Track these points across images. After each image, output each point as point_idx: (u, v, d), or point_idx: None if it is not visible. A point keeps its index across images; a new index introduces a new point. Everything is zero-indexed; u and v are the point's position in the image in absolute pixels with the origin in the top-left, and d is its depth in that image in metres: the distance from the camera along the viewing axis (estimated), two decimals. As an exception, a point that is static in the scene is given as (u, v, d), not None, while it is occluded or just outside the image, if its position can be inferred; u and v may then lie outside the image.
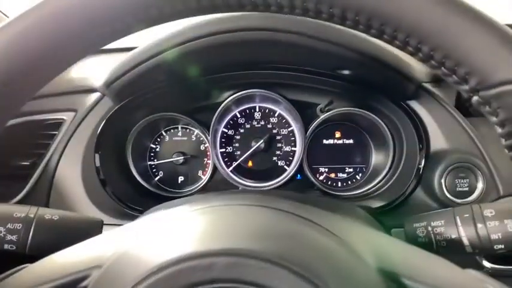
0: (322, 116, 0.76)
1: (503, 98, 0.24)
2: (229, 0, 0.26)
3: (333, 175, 0.82)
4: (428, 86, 0.66)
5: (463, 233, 0.41)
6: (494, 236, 0.39)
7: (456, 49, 0.24)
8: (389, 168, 0.75)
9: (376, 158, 0.80)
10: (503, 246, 0.39)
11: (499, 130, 0.25)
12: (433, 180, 0.63)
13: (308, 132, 0.77)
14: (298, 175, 0.81)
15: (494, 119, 0.25)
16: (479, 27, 0.23)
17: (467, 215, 0.41)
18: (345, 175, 0.82)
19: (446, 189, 0.62)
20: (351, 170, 0.82)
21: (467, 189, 0.61)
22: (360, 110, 0.74)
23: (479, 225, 0.40)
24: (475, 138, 0.63)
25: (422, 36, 0.24)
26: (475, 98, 0.26)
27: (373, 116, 0.74)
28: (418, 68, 0.65)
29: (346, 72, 0.67)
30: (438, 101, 0.66)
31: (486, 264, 0.58)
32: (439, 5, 0.23)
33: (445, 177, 0.62)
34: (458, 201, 0.62)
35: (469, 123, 0.64)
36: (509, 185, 0.61)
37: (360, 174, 0.81)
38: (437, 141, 0.65)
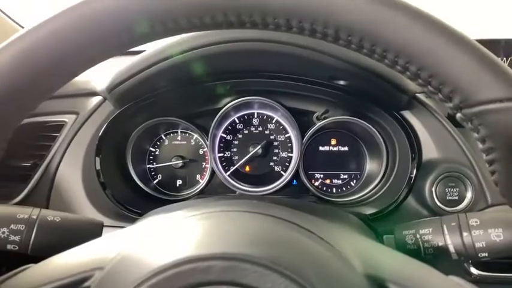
0: (319, 124, 0.77)
1: (483, 116, 0.25)
2: (230, 18, 0.28)
3: (328, 181, 0.84)
4: (421, 96, 0.68)
5: (449, 240, 0.42)
6: (478, 245, 0.41)
7: (441, 70, 0.26)
8: (383, 176, 0.77)
9: (370, 165, 0.81)
10: (487, 254, 0.41)
11: (480, 146, 0.27)
12: (424, 189, 0.65)
13: (304, 139, 0.79)
14: (294, 180, 0.83)
15: (475, 135, 0.27)
16: (462, 50, 0.25)
17: (453, 224, 0.43)
18: (339, 181, 0.83)
19: (437, 198, 0.64)
20: (346, 176, 0.83)
21: (457, 198, 0.63)
22: (355, 118, 0.76)
23: (465, 234, 0.41)
24: (465, 149, 0.65)
25: (409, 56, 0.26)
26: (458, 115, 0.27)
27: (368, 125, 0.76)
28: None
29: (341, 82, 0.69)
30: (430, 111, 0.68)
31: (474, 271, 0.59)
32: (426, 29, 0.25)
33: (436, 186, 0.64)
34: (448, 209, 0.63)
35: (460, 134, 0.66)
36: (497, 194, 0.62)
37: (354, 181, 0.83)
38: (429, 150, 0.67)
